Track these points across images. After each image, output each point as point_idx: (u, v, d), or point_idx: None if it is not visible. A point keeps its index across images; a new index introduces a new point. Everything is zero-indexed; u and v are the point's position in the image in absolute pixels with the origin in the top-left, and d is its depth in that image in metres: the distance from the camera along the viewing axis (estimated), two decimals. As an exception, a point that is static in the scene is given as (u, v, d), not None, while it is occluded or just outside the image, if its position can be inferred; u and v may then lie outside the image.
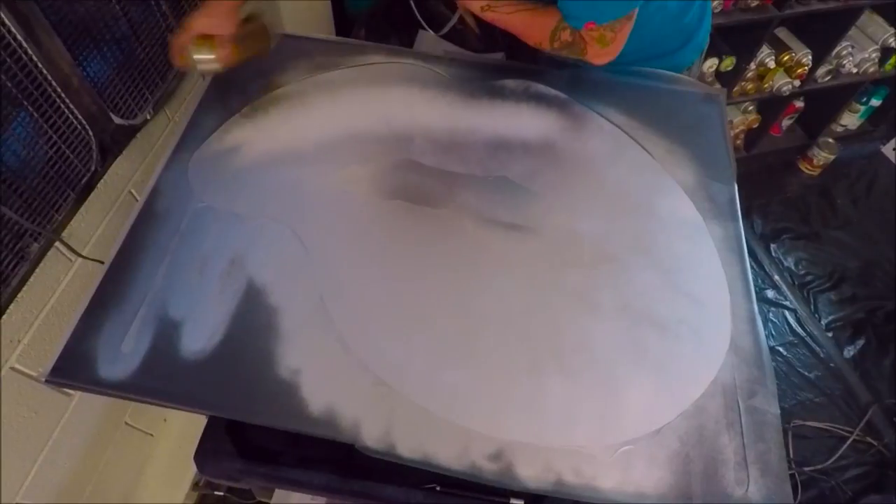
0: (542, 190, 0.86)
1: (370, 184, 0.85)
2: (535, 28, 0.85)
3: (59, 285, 0.89)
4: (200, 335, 0.70)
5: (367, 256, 0.78)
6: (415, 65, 1.02)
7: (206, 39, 0.83)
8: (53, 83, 0.81)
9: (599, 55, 0.86)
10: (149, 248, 0.77)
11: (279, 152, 0.87)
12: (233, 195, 0.82)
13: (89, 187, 0.92)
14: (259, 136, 0.89)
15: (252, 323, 0.71)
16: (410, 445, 0.65)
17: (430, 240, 0.80)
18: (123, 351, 0.68)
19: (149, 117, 1.05)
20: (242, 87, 0.95)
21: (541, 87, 0.99)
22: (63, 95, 0.84)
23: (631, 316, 0.76)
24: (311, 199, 0.83)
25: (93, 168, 0.93)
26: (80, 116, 0.88)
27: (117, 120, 0.97)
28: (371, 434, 0.65)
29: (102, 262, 0.77)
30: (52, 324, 0.88)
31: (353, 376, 0.69)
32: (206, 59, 0.84)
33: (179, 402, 0.67)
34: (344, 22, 1.55)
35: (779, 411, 0.71)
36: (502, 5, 0.84)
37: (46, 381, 0.67)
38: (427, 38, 1.62)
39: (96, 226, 0.96)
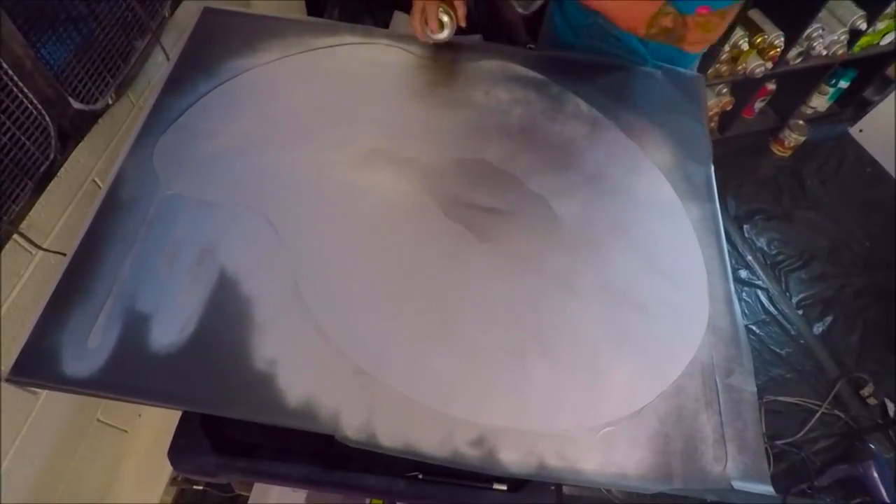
0: (521, 173, 0.85)
1: (345, 169, 0.83)
2: (632, 11, 0.82)
3: (20, 279, 0.85)
4: (171, 328, 0.67)
5: (343, 243, 0.76)
6: (390, 46, 0.99)
7: (448, 6, 0.89)
8: (4, 65, 0.77)
9: (698, 42, 0.84)
10: (114, 238, 0.73)
11: (249, 137, 0.84)
12: (202, 182, 0.79)
13: (48, 176, 0.88)
14: (228, 120, 0.86)
15: (225, 313, 0.69)
16: (392, 434, 0.64)
17: (408, 224, 0.79)
18: (89, 346, 0.66)
19: (111, 102, 1.01)
20: (210, 70, 0.91)
21: (518, 69, 0.98)
22: (15, 78, 0.79)
23: (611, 297, 0.76)
24: (284, 185, 0.80)
25: (52, 156, 0.88)
26: (35, 101, 0.83)
27: (77, 105, 0.92)
28: (351, 424, 0.64)
29: (65, 255, 0.73)
30: (14, 319, 0.84)
31: (331, 365, 0.67)
32: (446, 23, 0.89)
33: (150, 398, 0.64)
34: (316, 2, 1.50)
35: (755, 389, 0.72)
36: None
37: (7, 380, 0.64)
38: (403, 20, 1.59)
39: (58, 216, 0.92)
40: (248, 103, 0.88)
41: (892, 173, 2.17)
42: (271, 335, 0.68)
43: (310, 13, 1.54)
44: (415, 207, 0.80)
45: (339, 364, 0.67)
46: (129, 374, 0.65)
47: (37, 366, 0.65)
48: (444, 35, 0.91)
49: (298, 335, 0.69)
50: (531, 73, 0.98)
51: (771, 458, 1.59)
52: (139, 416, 1.26)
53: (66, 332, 0.66)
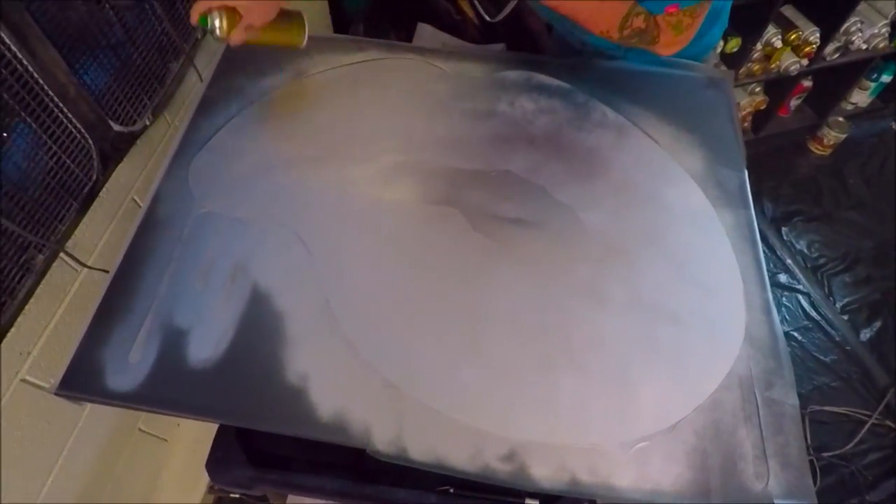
0: (548, 183, 0.85)
1: (374, 183, 0.84)
2: (603, 14, 0.80)
3: (66, 296, 0.89)
4: (207, 343, 0.69)
5: (372, 257, 0.77)
6: (414, 59, 1.00)
7: (231, 13, 0.81)
8: (50, 93, 0.81)
9: (672, 43, 0.82)
10: (152, 256, 0.76)
11: (280, 155, 0.86)
12: (234, 200, 0.81)
13: (91, 196, 0.92)
14: (259, 138, 0.88)
15: (258, 329, 0.71)
16: (422, 448, 0.64)
17: (436, 238, 0.79)
18: (131, 361, 0.68)
19: (148, 123, 1.05)
20: (241, 90, 0.94)
21: (543, 78, 0.97)
22: (61, 105, 0.83)
23: (643, 309, 0.74)
24: (314, 202, 0.82)
25: (94, 177, 0.92)
26: (78, 125, 0.87)
27: (116, 127, 0.96)
28: (382, 438, 0.64)
29: (107, 272, 0.76)
30: (61, 334, 0.88)
31: (361, 379, 0.68)
32: (217, 30, 0.81)
33: (188, 411, 0.66)
34: (342, 19, 1.54)
35: (797, 402, 0.69)
36: None
37: (56, 393, 0.67)
38: (426, 32, 1.61)
39: (100, 234, 0.96)
40: (277, 122, 0.90)
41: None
42: (303, 350, 0.70)
43: (336, 31, 1.57)
44: (441, 220, 0.81)
45: (369, 378, 0.68)
46: (169, 389, 0.67)
47: (83, 380, 0.67)
48: (215, 36, 0.82)
49: (329, 349, 0.70)
50: (556, 82, 0.97)
51: (818, 471, 1.52)
52: (178, 425, 1.30)
53: (109, 347, 0.69)
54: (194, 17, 0.83)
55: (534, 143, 0.89)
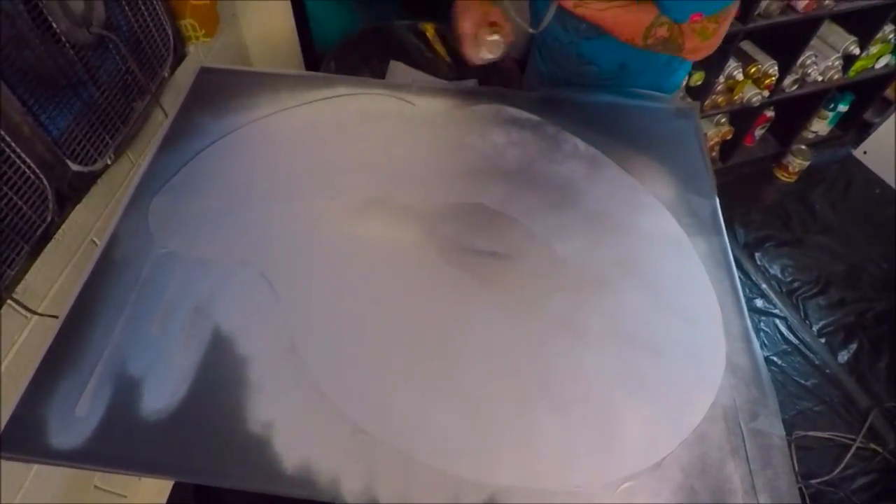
0: (521, 215, 0.84)
1: (343, 220, 0.82)
2: (628, 25, 0.83)
3: (14, 345, 0.83)
4: (162, 392, 0.65)
5: (341, 296, 0.74)
6: (383, 94, 0.99)
7: (494, 26, 0.88)
8: (1, 132, 0.77)
9: (698, 49, 0.84)
10: (106, 300, 0.72)
11: (243, 193, 0.84)
12: (196, 240, 0.78)
13: (45, 238, 0.87)
14: (222, 176, 0.85)
15: (219, 375, 0.66)
16: (394, 497, 0.60)
17: (407, 274, 0.77)
18: (77, 415, 0.63)
19: (109, 162, 1.01)
20: (205, 128, 0.92)
21: (513, 111, 0.98)
22: (13, 144, 0.80)
23: (621, 341, 0.72)
24: (280, 240, 0.79)
25: (49, 218, 0.88)
26: (32, 165, 0.83)
27: (75, 167, 0.93)
28: (351, 489, 0.60)
29: (57, 318, 0.71)
30: (8, 388, 0.82)
31: (329, 425, 0.64)
32: (498, 42, 0.89)
33: (139, 468, 0.61)
34: (312, 57, 1.54)
35: (784, 432, 0.67)
36: (594, 2, 0.82)
37: (-7, 455, 0.61)
38: (399, 69, 1.62)
39: (54, 279, 0.91)
40: (242, 159, 0.88)
41: (904, 192, 2.14)
42: (267, 396, 0.65)
43: (307, 69, 1.57)
44: (412, 256, 0.78)
45: (338, 424, 0.64)
46: (118, 444, 0.62)
47: (23, 439, 0.62)
48: (499, 54, 0.91)
49: (295, 395, 0.66)
50: (526, 115, 0.98)
51: (807, 499, 1.49)
52: (139, 480, 1.21)
53: (53, 401, 0.64)
54: (471, 48, 0.89)
55: (506, 176, 0.88)
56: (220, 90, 0.98)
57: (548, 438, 0.64)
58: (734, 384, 0.70)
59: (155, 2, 1.11)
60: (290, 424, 0.64)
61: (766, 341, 1.78)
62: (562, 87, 1.07)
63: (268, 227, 0.80)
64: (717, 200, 0.87)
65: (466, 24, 0.88)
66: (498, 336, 0.72)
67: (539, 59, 1.14)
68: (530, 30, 0.94)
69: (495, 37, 0.89)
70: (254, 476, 0.60)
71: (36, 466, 0.89)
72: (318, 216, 0.82)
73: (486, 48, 0.90)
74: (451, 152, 0.91)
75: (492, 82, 1.46)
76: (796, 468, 1.53)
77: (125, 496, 1.16)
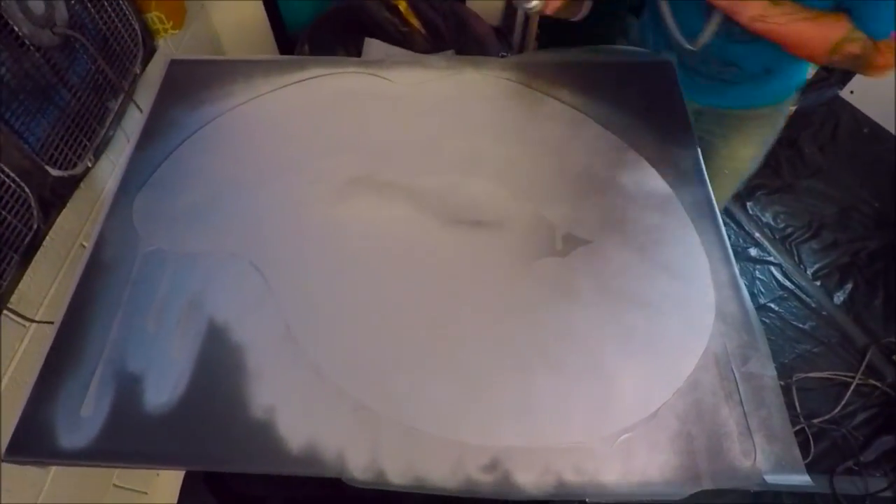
0: (505, 182, 0.84)
1: (328, 202, 0.82)
2: (813, 40, 0.77)
3: (16, 354, 0.84)
4: (164, 387, 0.66)
5: (332, 277, 0.75)
6: (358, 73, 0.98)
7: None
8: (-26, 144, 0.77)
9: (888, 67, 0.78)
10: (99, 301, 0.72)
11: (226, 183, 0.83)
12: (183, 234, 0.78)
13: (33, 246, 0.88)
14: (203, 169, 0.85)
15: (217, 365, 0.67)
16: (400, 469, 0.61)
17: (396, 250, 0.77)
18: (83, 415, 0.64)
19: (90, 165, 1.01)
20: (181, 122, 0.91)
21: (491, 78, 0.97)
22: (-12, 155, 0.79)
23: (611, 298, 0.73)
24: (267, 227, 0.79)
25: (35, 226, 0.88)
26: (11, 174, 0.83)
27: (55, 172, 0.92)
28: (357, 464, 0.61)
29: (53, 324, 0.72)
30: (14, 396, 0.83)
31: (331, 405, 0.65)
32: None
33: (149, 461, 0.63)
34: (286, 41, 1.51)
35: (775, 373, 0.69)
36: (777, 14, 0.76)
37: (4, 460, 0.63)
38: (374, 46, 1.59)
39: (48, 285, 0.91)
40: (221, 150, 0.87)
41: (892, 130, 2.12)
42: (267, 381, 0.66)
43: (282, 52, 1.55)
44: (400, 232, 0.79)
45: (339, 402, 0.65)
46: (126, 440, 0.63)
47: (32, 443, 0.63)
48: (529, 3, 0.83)
49: (295, 378, 0.67)
50: (505, 81, 0.97)
51: (811, 438, 1.52)
52: (157, 475, 1.24)
53: (57, 404, 0.65)
54: None
55: (488, 143, 0.88)
56: (193, 82, 0.96)
57: (546, 399, 0.66)
58: (724, 331, 0.71)
59: (118, -4, 1.09)
60: (291, 406, 0.65)
61: (762, 289, 1.79)
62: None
63: (253, 216, 0.80)
64: (699, 150, 0.87)
65: None
66: (491, 303, 0.73)
67: (652, 45, 1.05)
68: (687, 45, 0.89)
69: None
70: (260, 459, 0.62)
71: (54, 469, 0.91)
72: (302, 200, 0.82)
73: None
74: (431, 124, 0.91)
75: (469, 51, 1.44)
76: (799, 409, 1.56)
77: (145, 492, 1.19)
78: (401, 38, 1.61)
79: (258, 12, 1.47)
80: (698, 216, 0.80)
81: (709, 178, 1.02)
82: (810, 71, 1.10)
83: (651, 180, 0.84)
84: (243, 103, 0.93)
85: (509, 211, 0.80)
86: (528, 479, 0.61)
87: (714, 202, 0.82)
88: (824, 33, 0.76)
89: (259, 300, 0.72)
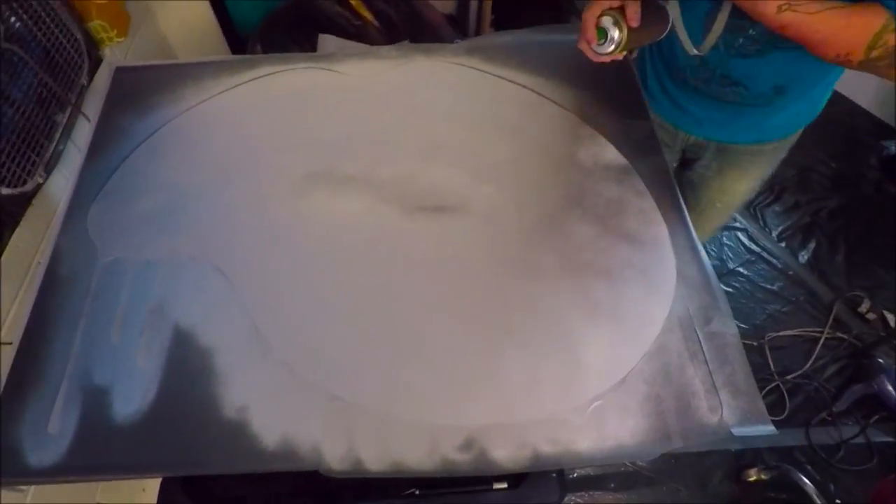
0: (464, 165, 0.84)
1: (287, 198, 0.81)
2: (848, 31, 0.65)
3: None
4: (132, 396, 0.65)
5: (296, 273, 0.74)
6: (310, 68, 0.97)
7: (615, 11, 0.72)
8: (-86, 167, 0.74)
9: None
10: (59, 317, 0.71)
11: (182, 187, 0.82)
12: (140, 242, 0.77)
13: (-12, 269, 0.85)
14: (157, 175, 0.83)
15: (186, 370, 0.67)
16: (377, 456, 0.62)
17: (358, 241, 0.77)
18: (51, 432, 0.63)
19: (42, 181, 0.98)
20: (130, 129, 0.89)
21: (445, 64, 0.97)
22: (-70, 178, 0.77)
23: (574, 272, 0.74)
24: (227, 228, 0.78)
25: (-13, 247, 0.85)
26: (-43, 196, 0.80)
27: (4, 191, 0.89)
28: (334, 455, 0.62)
29: (10, 344, 0.70)
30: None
31: (304, 398, 0.65)
32: (615, 41, 0.72)
33: (122, 471, 0.62)
34: (237, 41, 1.49)
35: (737, 331, 0.71)
36: (805, 3, 0.65)
37: (-28, 485, 0.61)
38: (328, 42, 1.58)
39: (7, 306, 0.89)
40: (175, 155, 0.86)
41: (844, 93, 2.19)
42: (237, 382, 0.66)
43: (234, 54, 1.52)
44: (362, 223, 0.78)
45: (312, 395, 0.65)
46: (96, 453, 0.62)
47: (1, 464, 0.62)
48: (607, 48, 0.74)
49: (265, 375, 0.66)
50: (458, 66, 0.97)
51: (785, 394, 1.57)
52: (143, 490, 1.22)
53: (22, 424, 0.63)
54: (591, 29, 0.73)
55: (446, 129, 0.88)
56: (141, 88, 0.94)
57: (516, 375, 0.67)
58: (686, 293, 0.73)
59: (55, 6, 1.06)
60: (264, 404, 0.64)
61: (730, 254, 1.84)
62: (680, 107, 0.92)
63: (212, 219, 0.79)
64: (652, 122, 0.88)
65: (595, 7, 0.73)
66: (456, 286, 0.73)
67: (651, 73, 0.96)
68: (694, 51, 0.79)
69: (608, 23, 0.71)
70: (235, 459, 0.62)
71: (31, 493, 0.89)
72: (261, 199, 0.81)
73: (588, 35, 0.73)
74: (387, 115, 0.90)
75: (423, 41, 1.44)
76: (772, 366, 1.61)
77: (130, 508, 1.17)
78: (355, 31, 1.60)
79: (206, 14, 1.44)
80: (655, 185, 0.82)
81: (697, 209, 0.97)
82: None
83: (608, 154, 0.85)
84: (194, 106, 0.91)
85: (470, 194, 0.81)
86: (504, 454, 0.62)
87: (671, 171, 0.84)
88: (863, 21, 0.64)
89: (224, 302, 0.71)
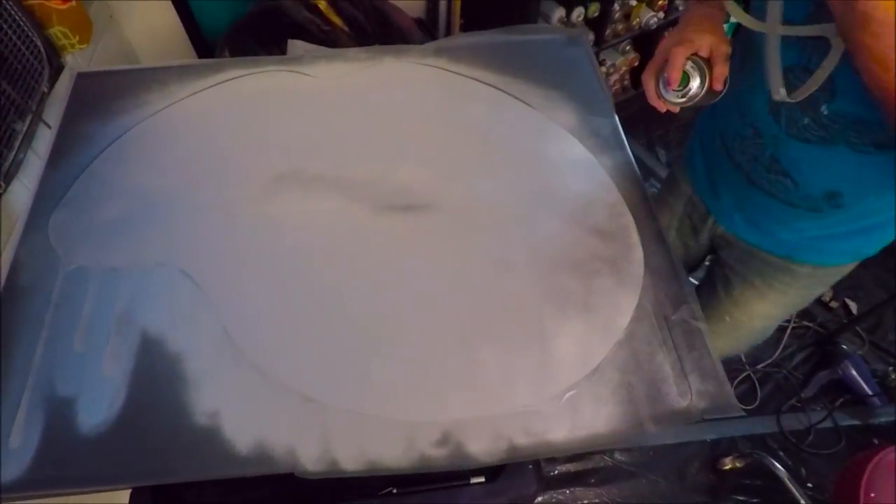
0: (432, 164, 0.84)
1: (255, 201, 0.80)
2: None
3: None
4: (98, 406, 0.63)
5: (265, 276, 0.74)
6: (277, 71, 0.97)
7: (702, 61, 0.67)
8: None
9: None
10: (19, 328, 0.69)
11: (147, 192, 0.81)
12: (105, 249, 0.75)
13: (-56, 282, 0.82)
14: (121, 181, 0.82)
15: (155, 378, 0.65)
16: (353, 456, 0.61)
17: (328, 242, 0.77)
18: (12, 447, 0.61)
19: (1, 191, 0.95)
20: (92, 136, 0.87)
21: (411, 65, 0.97)
22: None
23: (545, 265, 0.75)
24: (194, 232, 0.77)
25: (-56, 260, 0.82)
26: None
27: (-39, 203, 0.87)
28: (309, 456, 0.61)
29: (-31, 359, 0.68)
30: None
31: (277, 401, 0.64)
32: (691, 91, 0.67)
33: (90, 483, 0.60)
34: (204, 47, 1.47)
35: (703, 318, 0.73)
36: None
37: (-71, 507, 0.59)
38: (297, 48, 1.57)
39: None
40: (139, 160, 0.84)
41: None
42: (208, 387, 0.65)
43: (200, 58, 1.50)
44: (332, 223, 0.78)
45: (285, 398, 0.64)
46: (61, 466, 0.60)
47: (-42, 484, 0.59)
48: (676, 96, 0.68)
49: (237, 380, 0.65)
50: (426, 67, 0.97)
51: (756, 383, 1.62)
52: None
53: (-18, 439, 0.61)
54: (678, 69, 0.65)
55: (414, 129, 0.89)
56: (104, 94, 0.92)
57: (490, 369, 0.67)
58: (654, 282, 0.75)
59: (14, 12, 1.04)
60: (236, 409, 0.64)
61: (699, 249, 1.88)
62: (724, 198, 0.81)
63: (179, 223, 0.78)
64: (616, 118, 0.91)
65: (665, 45, 0.67)
66: (428, 284, 0.73)
67: (698, 133, 0.86)
68: (781, 93, 0.61)
69: (691, 70, 0.66)
70: (208, 466, 0.60)
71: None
72: (229, 203, 0.80)
73: (672, 75, 0.66)
74: (355, 116, 0.90)
75: (393, 43, 1.44)
76: (743, 359, 1.65)
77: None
78: (324, 37, 1.59)
79: (172, 20, 1.42)
80: (621, 178, 0.84)
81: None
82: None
83: (573, 149, 0.86)
84: (160, 111, 0.90)
85: (439, 192, 0.81)
86: (479, 447, 0.62)
87: (635, 165, 0.86)
88: None
89: (192, 307, 0.70)
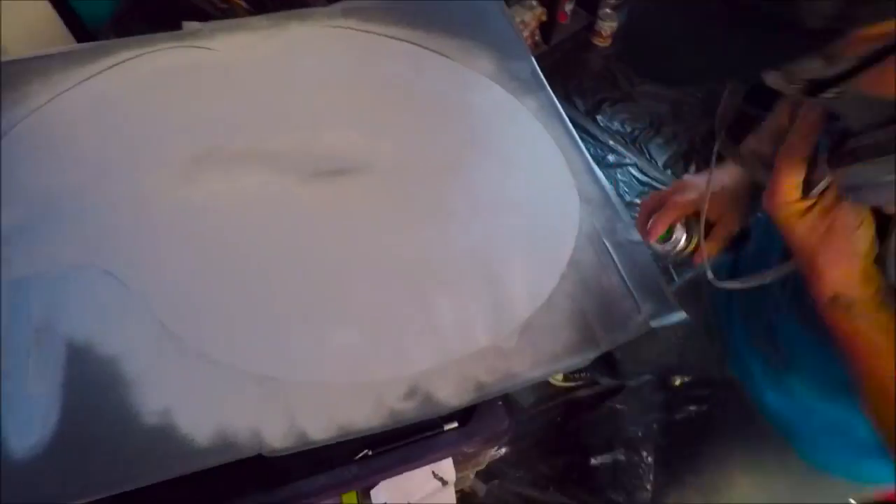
0: (358, 125, 0.82)
1: (174, 186, 0.75)
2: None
3: None
4: (28, 427, 0.57)
5: (198, 261, 0.69)
6: (175, 48, 0.90)
7: (696, 220, 0.69)
8: None
9: None
10: (-82, 360, 0.61)
11: (50, 192, 0.73)
12: (8, 259, 0.67)
13: None
14: (13, 185, 0.73)
15: (90, 386, 0.60)
16: (321, 425, 0.60)
17: (261, 215, 0.73)
18: (-66, 489, 0.54)
19: None
20: (-31, 138, 0.77)
21: (319, 29, 0.93)
22: None
23: (485, 209, 0.76)
24: (110, 227, 0.71)
25: None
26: None
27: None
28: (275, 434, 0.59)
29: None
30: None
31: (232, 386, 0.61)
32: (682, 245, 0.72)
33: (35, 508, 0.55)
34: (86, 37, 1.34)
35: (640, 237, 0.76)
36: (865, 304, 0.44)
37: None
38: (193, 27, 1.46)
39: None
40: (31, 160, 0.76)
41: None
42: (153, 385, 0.61)
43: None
44: (259, 197, 0.74)
45: (240, 381, 0.61)
46: (-2, 496, 0.54)
47: None
48: (665, 246, 0.73)
49: (184, 372, 0.62)
50: (336, 29, 0.93)
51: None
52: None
53: None
54: (658, 231, 0.71)
55: (333, 92, 0.85)
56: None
57: (446, 316, 0.67)
58: (590, 210, 0.77)
59: None
60: (189, 402, 0.60)
61: (625, 189, 1.98)
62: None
63: (91, 221, 0.71)
64: (533, 60, 0.91)
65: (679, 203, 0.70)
66: (371, 243, 0.72)
67: (724, 314, 0.85)
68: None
69: (678, 232, 0.71)
70: (168, 464, 0.57)
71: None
72: (145, 191, 0.74)
73: (655, 228, 0.72)
74: (269, 87, 0.86)
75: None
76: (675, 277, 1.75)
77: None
78: (222, 15, 1.50)
79: (45, 10, 1.28)
80: (546, 117, 0.85)
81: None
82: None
83: (496, 94, 0.87)
84: (46, 104, 0.81)
85: (368, 153, 0.79)
86: (448, 392, 0.63)
87: (557, 104, 0.87)
88: None
89: (122, 305, 0.65)
